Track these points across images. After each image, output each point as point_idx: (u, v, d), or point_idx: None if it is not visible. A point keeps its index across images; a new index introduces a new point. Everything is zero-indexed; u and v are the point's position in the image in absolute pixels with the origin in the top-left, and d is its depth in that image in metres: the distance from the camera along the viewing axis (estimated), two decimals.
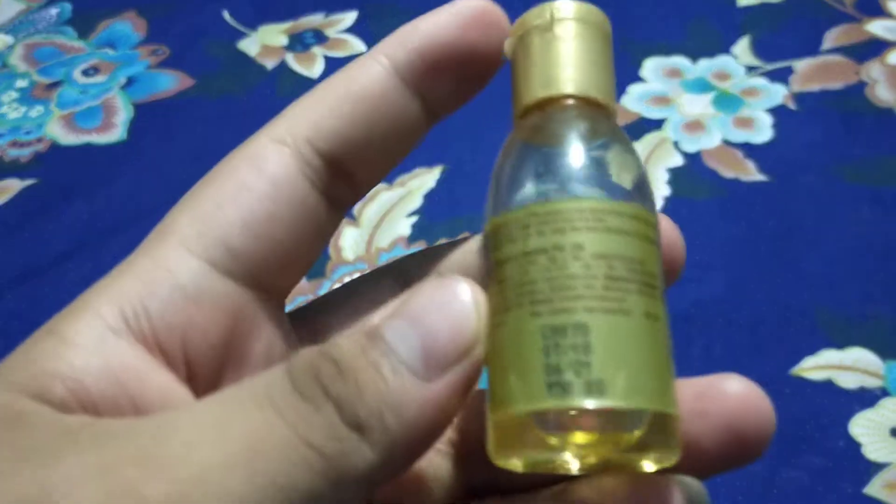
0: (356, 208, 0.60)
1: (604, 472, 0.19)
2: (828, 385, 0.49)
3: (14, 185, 0.64)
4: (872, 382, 0.48)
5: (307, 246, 0.22)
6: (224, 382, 0.21)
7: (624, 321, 0.18)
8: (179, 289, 0.20)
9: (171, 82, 0.71)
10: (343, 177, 0.22)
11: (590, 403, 0.17)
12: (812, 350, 0.50)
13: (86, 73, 0.72)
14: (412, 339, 0.18)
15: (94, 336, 0.19)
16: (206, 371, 0.21)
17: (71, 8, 0.78)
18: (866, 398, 0.48)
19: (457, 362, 0.18)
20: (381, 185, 0.61)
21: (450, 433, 0.22)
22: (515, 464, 0.19)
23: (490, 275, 0.20)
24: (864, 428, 0.47)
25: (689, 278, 0.55)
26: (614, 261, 0.18)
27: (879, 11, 0.71)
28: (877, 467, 0.45)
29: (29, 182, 0.64)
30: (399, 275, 0.24)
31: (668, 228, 0.22)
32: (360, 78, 0.22)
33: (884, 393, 0.48)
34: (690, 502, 0.19)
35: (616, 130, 0.21)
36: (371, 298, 0.23)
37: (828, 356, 0.50)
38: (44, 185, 0.64)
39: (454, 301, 0.18)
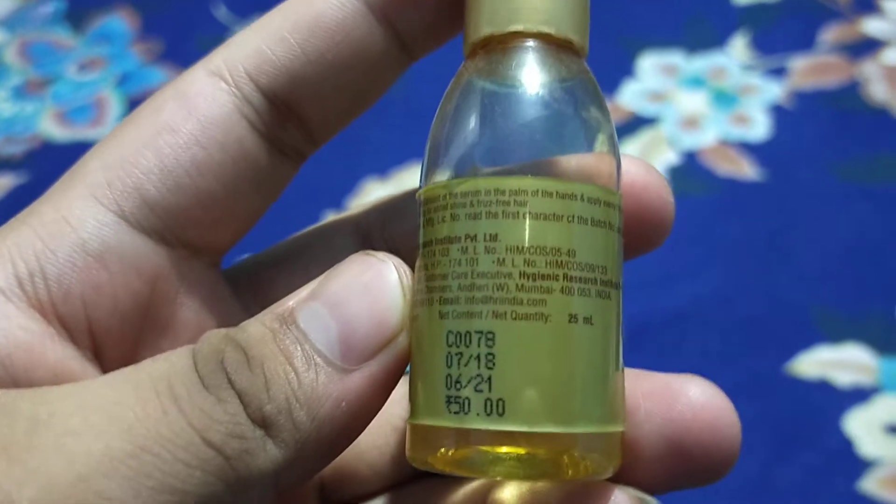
0: (348, 203, 0.59)
1: (531, 478, 0.17)
2: (822, 382, 0.49)
3: (7, 182, 0.63)
4: (866, 379, 0.48)
5: (245, 200, 0.19)
6: (142, 356, 0.18)
7: (539, 328, 0.16)
8: (82, 245, 0.17)
9: (164, 78, 0.71)
10: (293, 119, 0.19)
11: (486, 426, 0.15)
12: (806, 346, 0.50)
13: (79, 69, 0.72)
14: (329, 326, 0.16)
15: None
16: (116, 343, 0.18)
17: (65, 4, 0.78)
18: (860, 395, 0.48)
19: (378, 353, 0.16)
20: (373, 181, 0.60)
21: (400, 410, 0.20)
22: (430, 466, 0.17)
23: (418, 255, 0.17)
24: (858, 424, 0.47)
25: (685, 275, 0.55)
26: (535, 254, 0.16)
27: (874, 10, 0.71)
28: (870, 464, 0.45)
29: (22, 178, 0.64)
30: (357, 231, 0.21)
31: (651, 181, 0.19)
32: (317, 2, 0.18)
33: (877, 389, 0.48)
34: None
35: (578, 81, 0.17)
36: (324, 256, 0.20)
37: (822, 353, 0.50)
38: (37, 182, 0.63)
39: (380, 283, 0.16)
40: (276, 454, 0.15)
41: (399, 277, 0.17)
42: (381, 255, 0.17)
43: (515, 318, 0.16)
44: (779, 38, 0.70)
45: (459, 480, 0.19)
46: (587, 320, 0.16)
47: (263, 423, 0.15)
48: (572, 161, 0.17)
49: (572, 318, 0.16)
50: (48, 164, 0.65)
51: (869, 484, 0.44)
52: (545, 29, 0.17)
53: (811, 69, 0.67)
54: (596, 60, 0.66)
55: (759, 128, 0.63)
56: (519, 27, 0.17)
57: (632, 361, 0.53)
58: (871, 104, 0.64)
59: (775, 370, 0.49)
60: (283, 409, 0.15)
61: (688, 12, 0.73)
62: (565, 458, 0.16)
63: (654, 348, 0.51)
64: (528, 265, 0.16)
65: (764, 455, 0.46)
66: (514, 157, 0.17)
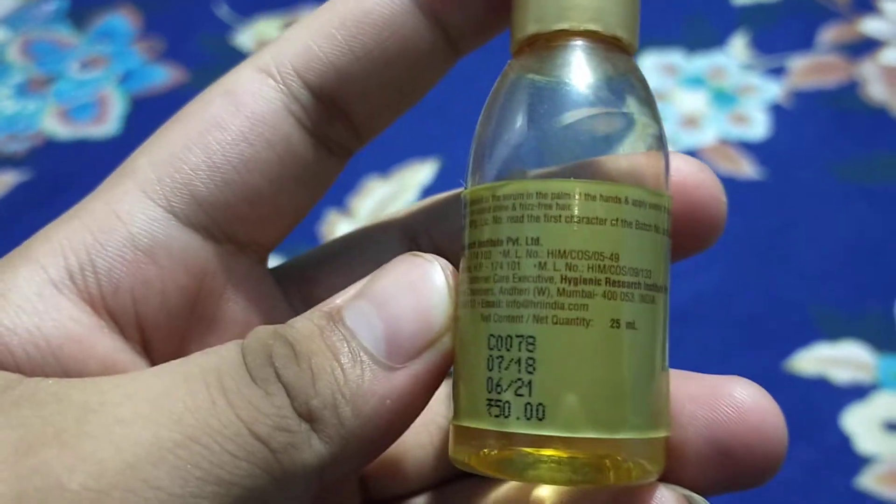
0: (350, 201, 0.60)
1: (573, 483, 0.17)
2: (820, 379, 0.49)
3: (10, 179, 0.64)
4: (864, 376, 0.49)
5: (292, 196, 0.19)
6: (189, 350, 0.18)
7: (580, 333, 0.15)
8: (132, 240, 0.17)
9: (166, 76, 0.71)
10: (340, 116, 0.19)
11: (526, 430, 0.15)
12: (805, 344, 0.50)
13: (82, 67, 0.72)
14: (375, 324, 0.16)
15: (31, 291, 0.17)
16: (164, 336, 0.18)
17: (67, 2, 0.78)
18: (858, 392, 0.48)
19: (423, 352, 0.16)
20: (375, 179, 0.61)
21: (444, 409, 0.20)
22: (472, 467, 0.17)
23: (462, 256, 0.17)
24: (857, 421, 0.47)
25: (685, 273, 0.55)
26: (577, 259, 0.16)
27: (873, 10, 0.71)
28: (868, 460, 0.45)
29: (25, 176, 0.64)
30: (405, 231, 0.21)
31: (703, 180, 0.19)
32: (364, 0, 0.18)
33: (876, 387, 0.48)
34: None
35: (626, 79, 0.17)
36: (371, 256, 0.20)
37: (820, 350, 0.50)
38: (40, 179, 0.64)
39: (425, 284, 0.16)
40: (321, 449, 0.15)
41: (445, 278, 0.17)
42: (428, 256, 0.17)
43: (556, 323, 0.15)
44: (778, 37, 0.70)
45: (501, 482, 0.19)
46: (630, 325, 0.16)
47: (309, 417, 0.15)
48: (620, 161, 0.17)
49: (614, 324, 0.16)
50: (51, 161, 0.65)
51: (867, 480, 0.45)
52: (592, 27, 0.17)
53: (810, 69, 0.67)
54: None
55: (759, 127, 0.63)
56: (566, 25, 0.17)
57: None
58: (870, 104, 0.64)
59: (774, 367, 0.50)
60: (328, 405, 0.15)
61: (687, 12, 0.73)
62: (607, 462, 0.16)
63: None
64: (570, 269, 0.16)
65: None
66: (561, 157, 0.17)
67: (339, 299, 0.16)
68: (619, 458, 0.16)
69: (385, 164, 0.61)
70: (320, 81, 0.18)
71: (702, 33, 0.71)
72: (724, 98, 0.66)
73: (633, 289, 0.16)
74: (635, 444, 0.16)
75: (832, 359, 0.50)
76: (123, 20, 0.76)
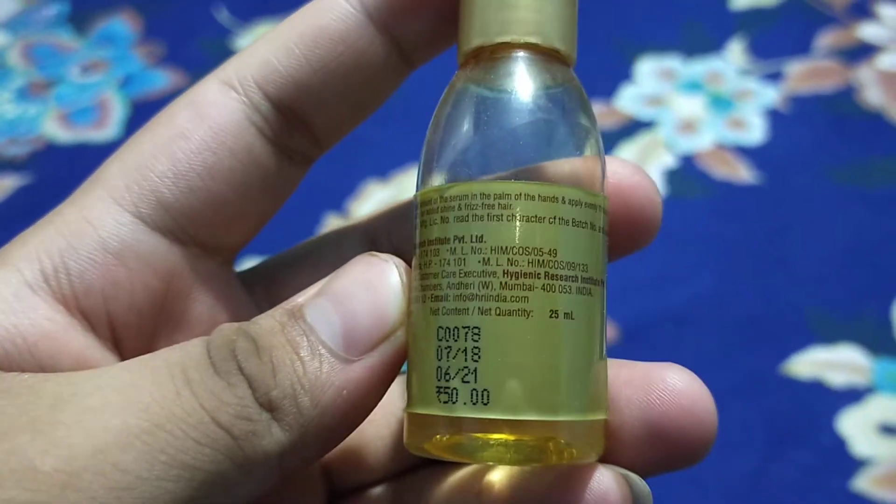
0: (348, 205, 0.60)
1: (519, 462, 0.18)
2: (816, 382, 0.49)
3: (10, 184, 0.64)
4: (860, 379, 0.49)
5: (255, 202, 0.20)
6: (157, 348, 0.19)
7: (521, 323, 0.16)
8: (102, 244, 0.18)
9: (166, 80, 0.71)
10: (299, 126, 0.20)
11: (472, 414, 0.16)
12: (801, 347, 0.51)
13: (82, 71, 0.72)
14: (334, 320, 0.17)
15: (8, 292, 0.18)
16: (134, 334, 0.19)
17: (68, 6, 0.79)
18: (854, 395, 0.48)
19: (378, 345, 0.17)
20: (374, 183, 0.61)
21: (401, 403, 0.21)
22: (426, 452, 0.18)
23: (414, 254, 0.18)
24: (852, 424, 0.47)
25: (681, 277, 0.55)
26: (518, 254, 0.17)
27: (869, 15, 0.72)
28: (864, 463, 0.46)
29: (25, 180, 0.64)
30: (365, 235, 0.22)
31: (639, 182, 0.20)
32: (320, 15, 0.19)
33: (871, 390, 0.48)
34: (633, 496, 0.17)
35: (565, 89, 0.18)
36: (334, 258, 0.21)
37: (816, 354, 0.50)
38: (40, 184, 0.64)
39: (380, 282, 0.17)
40: (281, 437, 0.16)
41: (399, 276, 0.18)
42: (384, 255, 0.18)
43: (499, 314, 0.17)
44: (775, 42, 0.70)
45: (455, 467, 0.20)
46: (568, 315, 0.17)
47: (270, 406, 0.16)
48: (559, 165, 0.18)
49: (553, 314, 0.17)
50: (51, 165, 0.65)
51: (862, 483, 0.45)
52: (532, 39, 0.18)
53: (807, 74, 0.68)
54: (594, 65, 0.67)
55: (756, 132, 0.64)
56: (508, 38, 0.18)
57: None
58: (867, 109, 0.65)
59: (770, 370, 0.50)
60: (288, 395, 0.16)
61: (685, 17, 0.74)
62: (550, 444, 0.17)
63: (650, 349, 0.52)
64: (512, 264, 0.17)
65: (759, 454, 0.47)
66: (505, 161, 0.18)
67: (301, 297, 0.17)
68: (560, 439, 0.17)
69: (384, 168, 0.61)
70: (280, 93, 0.19)
71: (699, 38, 0.72)
72: (721, 103, 0.66)
73: (570, 282, 0.17)
74: (575, 426, 0.17)
75: (828, 362, 0.50)
76: (124, 24, 0.77)
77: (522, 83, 0.18)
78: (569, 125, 0.18)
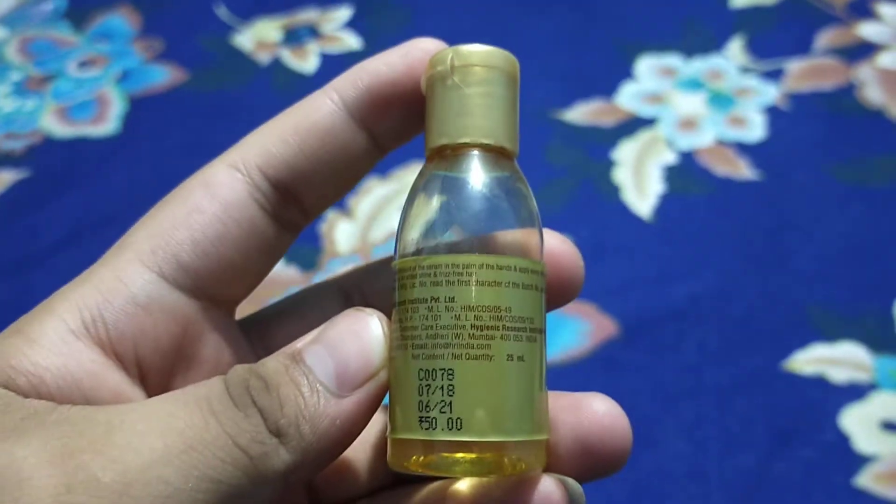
0: (350, 202, 0.60)
1: (481, 475, 0.22)
2: (818, 379, 0.49)
3: (7, 177, 0.64)
4: (862, 376, 0.49)
5: (255, 263, 0.24)
6: (174, 383, 0.24)
7: (486, 366, 0.21)
8: (132, 298, 0.22)
9: (165, 76, 0.71)
10: (293, 201, 0.24)
11: (449, 437, 0.20)
12: (803, 344, 0.51)
13: (80, 66, 0.72)
14: (328, 363, 0.21)
15: (57, 338, 0.21)
16: (157, 372, 0.23)
17: (66, 1, 0.78)
18: (856, 392, 0.48)
19: (364, 384, 0.21)
20: (375, 180, 0.61)
21: (382, 428, 0.25)
22: (406, 469, 0.22)
23: (394, 310, 0.23)
24: (855, 421, 0.47)
25: (682, 274, 0.55)
26: (482, 311, 0.21)
27: (869, 14, 0.72)
28: (866, 460, 0.46)
29: (22, 174, 0.64)
30: (340, 290, 0.27)
31: (566, 251, 0.25)
32: (311, 112, 0.24)
33: (874, 387, 0.48)
34: (569, 496, 0.22)
35: (510, 177, 0.23)
36: (315, 310, 0.26)
37: (818, 350, 0.50)
38: (37, 178, 0.64)
39: (366, 332, 0.21)
40: (287, 457, 0.20)
41: (381, 327, 0.22)
42: (368, 310, 0.22)
43: (468, 358, 0.21)
44: (775, 41, 0.71)
45: (423, 484, 0.24)
46: (520, 358, 0.21)
47: (278, 433, 0.20)
48: (508, 236, 0.22)
49: (510, 357, 0.21)
50: (49, 159, 0.65)
51: (865, 479, 0.45)
52: (485, 140, 0.22)
53: (807, 72, 0.68)
54: (595, 63, 0.67)
55: (756, 129, 0.64)
56: (467, 139, 0.22)
57: (630, 359, 0.53)
58: (867, 107, 0.65)
59: (773, 367, 0.50)
60: (292, 424, 0.20)
61: (685, 15, 0.74)
62: (506, 459, 0.21)
63: (652, 346, 0.51)
64: (477, 319, 0.21)
65: (761, 450, 0.47)
66: (466, 230, 0.22)
67: (300, 343, 0.21)
68: (514, 455, 0.21)
69: (384, 166, 0.61)
70: (277, 175, 0.23)
71: (699, 36, 0.72)
72: (721, 100, 0.66)
73: (521, 332, 0.21)
74: (526, 444, 0.21)
75: (830, 359, 0.50)
76: (122, 20, 0.77)
77: (478, 172, 0.22)
78: (515, 204, 0.23)
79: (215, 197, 0.23)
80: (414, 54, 0.24)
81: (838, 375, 0.49)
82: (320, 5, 0.77)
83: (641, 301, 0.54)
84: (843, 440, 0.46)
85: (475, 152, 0.22)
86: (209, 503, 0.19)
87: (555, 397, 0.22)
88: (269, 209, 0.24)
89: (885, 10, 0.72)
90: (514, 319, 0.21)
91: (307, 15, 0.76)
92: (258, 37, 0.74)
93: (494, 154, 0.23)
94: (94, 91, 0.70)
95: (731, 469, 0.46)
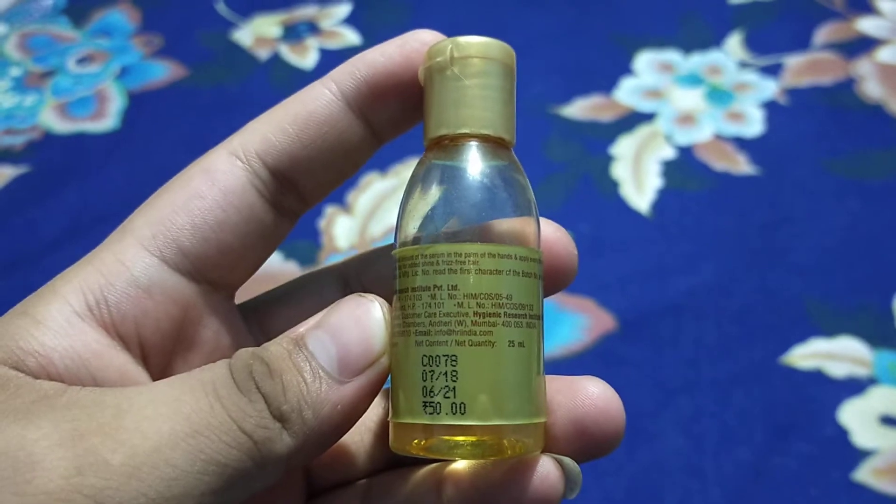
0: (349, 197, 0.60)
1: (482, 457, 0.22)
2: (817, 373, 0.49)
3: (7, 173, 0.64)
4: (861, 371, 0.49)
5: (254, 249, 0.24)
6: (175, 364, 0.24)
7: (488, 352, 0.21)
8: (134, 281, 0.23)
9: (164, 72, 0.71)
10: (291, 189, 0.24)
11: (453, 422, 0.21)
12: (801, 339, 0.51)
13: (80, 62, 0.72)
14: (330, 348, 0.21)
15: (62, 319, 0.22)
16: (158, 354, 0.23)
17: None
18: (855, 386, 0.48)
19: (365, 370, 0.21)
20: (374, 175, 0.61)
21: (380, 412, 0.26)
22: (408, 452, 0.22)
23: (395, 297, 0.23)
24: (854, 415, 0.47)
25: (681, 268, 0.55)
26: (484, 299, 0.21)
27: (869, 9, 0.72)
28: (865, 454, 0.46)
29: (22, 170, 0.64)
30: (339, 277, 0.27)
31: (560, 238, 0.25)
32: (310, 102, 0.24)
33: (872, 381, 0.48)
34: (566, 475, 0.22)
35: (508, 166, 0.23)
36: (314, 296, 0.26)
37: (817, 345, 0.50)
38: (37, 173, 0.64)
39: (368, 318, 0.22)
40: (290, 441, 0.20)
41: (383, 313, 0.22)
42: (370, 296, 0.22)
43: (471, 345, 0.21)
44: (774, 36, 0.70)
45: (420, 466, 0.24)
46: (521, 344, 0.22)
47: (281, 418, 0.20)
48: (507, 225, 0.23)
49: (511, 344, 0.21)
50: (49, 155, 0.65)
51: (863, 474, 0.45)
52: (485, 131, 0.23)
53: (806, 67, 0.68)
54: (594, 58, 0.67)
55: (754, 124, 0.64)
56: (467, 130, 0.23)
57: (629, 354, 0.53)
58: (866, 101, 0.65)
59: (771, 362, 0.50)
60: (295, 409, 0.20)
61: (684, 11, 0.74)
62: (506, 442, 0.21)
63: (650, 340, 0.52)
64: (480, 306, 0.21)
65: (759, 445, 0.47)
66: (465, 218, 0.22)
67: (302, 328, 0.21)
68: (513, 438, 0.22)
69: (383, 162, 0.61)
70: (276, 163, 0.24)
71: (698, 31, 0.72)
72: (720, 95, 0.66)
73: (521, 318, 0.22)
74: (526, 427, 0.22)
75: (829, 353, 0.50)
76: (122, 16, 0.76)
77: (477, 162, 0.23)
78: (514, 193, 0.23)
79: (215, 183, 0.23)
80: (411, 45, 0.24)
81: (837, 370, 0.49)
82: (319, 1, 0.77)
83: (640, 296, 0.54)
84: (841, 434, 0.47)
85: (474, 142, 0.23)
86: (214, 485, 0.19)
87: (550, 381, 0.23)
88: (268, 196, 0.24)
89: (884, 4, 0.72)
90: (514, 306, 0.22)
91: (306, 11, 0.76)
92: (257, 32, 0.74)
93: (493, 144, 0.23)
94: (94, 87, 0.70)
95: (729, 463, 0.46)
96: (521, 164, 0.23)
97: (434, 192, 0.22)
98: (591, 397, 0.22)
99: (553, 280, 0.25)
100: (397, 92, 0.24)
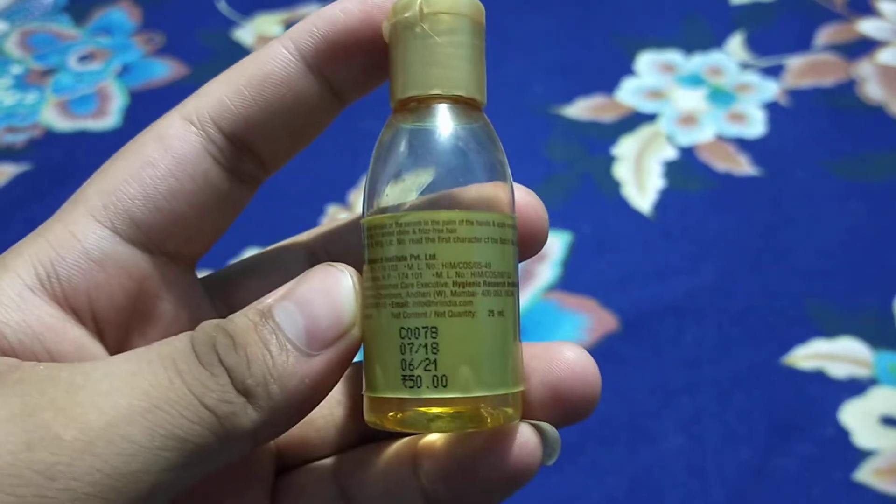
0: (351, 196, 0.60)
1: (461, 429, 0.22)
2: (818, 374, 0.49)
3: (8, 171, 0.64)
4: (862, 371, 0.49)
5: (211, 218, 0.23)
6: (132, 339, 0.23)
7: (468, 322, 0.21)
8: (85, 253, 0.22)
9: (165, 70, 0.71)
10: (249, 155, 0.23)
11: (435, 395, 0.20)
12: (802, 340, 0.51)
13: (81, 60, 0.72)
14: (298, 320, 0.20)
15: (14, 293, 0.21)
16: (113, 328, 0.23)
17: None
18: (856, 387, 0.48)
19: (335, 342, 0.20)
20: None
21: (350, 386, 0.25)
22: (384, 426, 0.22)
23: (365, 267, 0.22)
24: (854, 416, 0.47)
25: (682, 269, 0.55)
26: (463, 268, 0.21)
27: (870, 11, 0.72)
28: (866, 454, 0.46)
29: (23, 168, 0.64)
30: (306, 249, 0.26)
31: (531, 202, 0.24)
32: (266, 63, 0.23)
33: (873, 382, 0.49)
34: (544, 441, 0.22)
35: (482, 128, 0.22)
36: (280, 269, 0.26)
37: (818, 346, 0.50)
38: (38, 171, 0.64)
39: (337, 288, 0.21)
40: (255, 416, 0.19)
41: (353, 284, 0.21)
42: (340, 265, 0.21)
43: (451, 316, 0.20)
44: (776, 37, 0.71)
45: (392, 440, 0.24)
46: (500, 313, 0.21)
47: (246, 392, 0.19)
48: (483, 190, 0.22)
49: (490, 313, 0.21)
50: (50, 153, 0.65)
51: (864, 474, 0.45)
52: (457, 92, 0.22)
53: (807, 68, 0.68)
54: (596, 58, 0.67)
55: (756, 125, 0.64)
56: (438, 91, 0.22)
57: (630, 354, 0.53)
58: (867, 103, 0.65)
59: (772, 362, 0.50)
60: (260, 383, 0.19)
61: (686, 12, 0.74)
62: (485, 412, 0.21)
63: (652, 341, 0.52)
64: (459, 276, 0.21)
65: (760, 445, 0.47)
66: (439, 185, 0.21)
67: (270, 299, 0.21)
68: (493, 408, 0.21)
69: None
70: (232, 128, 0.23)
71: (700, 32, 0.72)
72: (721, 96, 0.66)
73: (500, 287, 0.21)
74: (506, 397, 0.21)
75: (830, 354, 0.50)
76: (123, 14, 0.76)
77: (448, 123, 0.22)
78: (488, 157, 0.22)
79: (168, 150, 0.22)
80: (373, 0, 0.23)
81: (838, 370, 0.49)
82: (319, 1, 0.77)
83: (641, 296, 0.54)
84: (842, 435, 0.47)
85: (446, 104, 0.22)
86: (174, 461, 0.18)
87: (526, 347, 0.22)
88: (224, 163, 0.23)
89: (885, 6, 0.72)
90: (493, 275, 0.21)
91: (308, 9, 0.76)
92: (259, 31, 0.74)
93: (464, 105, 0.22)
94: (95, 85, 0.70)
95: (731, 463, 0.46)
96: (492, 126, 0.23)
97: (406, 157, 0.21)
98: (567, 362, 0.22)
99: (525, 245, 0.24)
100: (359, 50, 0.23)
